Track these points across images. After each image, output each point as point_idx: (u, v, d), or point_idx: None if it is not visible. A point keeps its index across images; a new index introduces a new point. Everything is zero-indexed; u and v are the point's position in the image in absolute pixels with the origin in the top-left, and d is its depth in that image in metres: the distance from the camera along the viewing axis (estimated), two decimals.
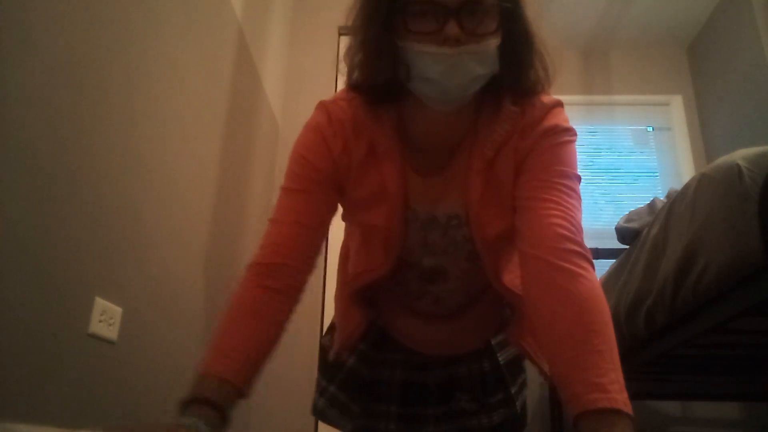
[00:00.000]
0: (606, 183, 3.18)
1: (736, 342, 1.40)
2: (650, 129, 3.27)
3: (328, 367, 1.14)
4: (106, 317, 1.23)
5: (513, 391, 1.09)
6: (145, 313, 1.43)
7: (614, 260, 1.88)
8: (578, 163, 0.87)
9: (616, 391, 0.65)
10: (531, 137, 0.86)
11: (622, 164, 3.21)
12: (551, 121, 0.86)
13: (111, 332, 1.25)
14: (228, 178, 2.08)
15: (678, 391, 2.14)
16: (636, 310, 1.51)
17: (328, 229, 0.93)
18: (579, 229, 0.79)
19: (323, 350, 1.17)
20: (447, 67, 0.75)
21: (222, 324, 0.83)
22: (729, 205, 1.13)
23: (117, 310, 1.28)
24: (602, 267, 2.02)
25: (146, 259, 1.43)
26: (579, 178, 0.85)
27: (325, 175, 0.89)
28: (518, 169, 0.86)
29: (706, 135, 3.11)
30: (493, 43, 0.77)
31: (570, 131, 0.87)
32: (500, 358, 1.09)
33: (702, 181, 1.26)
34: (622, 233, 1.82)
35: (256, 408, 2.39)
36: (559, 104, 0.90)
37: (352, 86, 0.87)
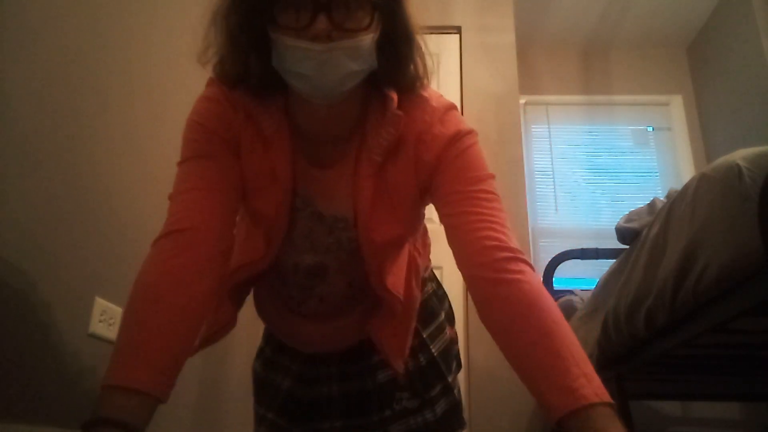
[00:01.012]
0: (606, 183, 3.18)
1: (736, 342, 1.40)
2: (650, 129, 3.27)
3: (264, 394, 1.11)
4: (106, 317, 1.23)
5: (450, 379, 1.07)
6: None
7: (614, 260, 1.88)
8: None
9: (582, 387, 0.64)
10: (433, 149, 0.84)
11: (622, 164, 3.22)
12: (450, 128, 0.84)
13: (111, 332, 1.25)
14: None
15: (678, 391, 2.14)
16: (636, 310, 1.51)
17: (235, 201, 0.85)
18: (505, 232, 0.78)
19: (256, 375, 1.14)
20: (318, 63, 0.73)
21: (125, 319, 0.71)
22: (729, 205, 1.13)
23: (117, 310, 1.28)
24: (602, 267, 2.02)
25: None
26: (492, 176, 0.84)
27: (226, 140, 0.84)
28: (427, 182, 0.85)
29: (706, 135, 3.11)
30: (367, 38, 0.75)
31: (471, 133, 0.86)
32: (434, 350, 1.06)
33: (702, 181, 1.26)
34: (622, 233, 1.82)
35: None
36: (452, 107, 0.88)
37: (220, 79, 0.83)
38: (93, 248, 1.19)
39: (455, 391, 1.07)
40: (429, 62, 0.85)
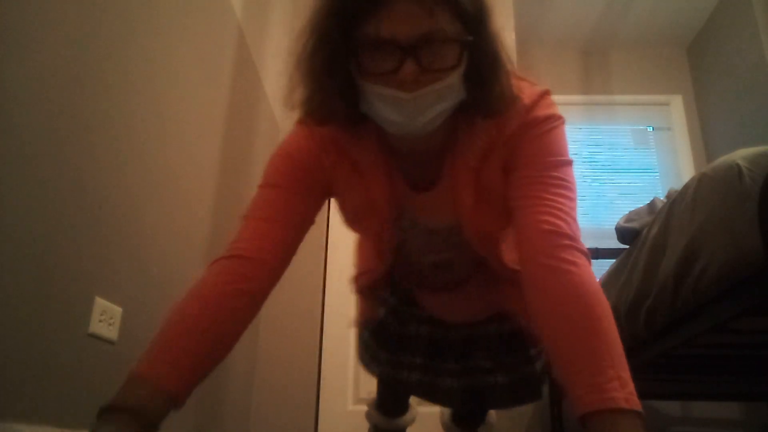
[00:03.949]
0: (606, 183, 3.18)
1: (736, 342, 1.40)
2: (650, 129, 3.27)
3: (366, 310, 1.20)
4: (106, 317, 1.23)
5: (533, 353, 1.10)
6: (145, 313, 1.43)
7: (614, 260, 1.88)
8: (570, 153, 0.84)
9: (614, 389, 0.63)
10: (514, 138, 0.83)
11: (622, 164, 3.22)
12: (533, 113, 0.83)
13: (111, 332, 1.25)
14: (228, 178, 2.08)
15: (678, 391, 2.14)
16: (636, 310, 1.51)
17: (304, 234, 0.88)
18: (568, 220, 0.76)
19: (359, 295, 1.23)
20: (407, 110, 0.72)
21: (172, 319, 0.74)
22: (729, 205, 1.13)
23: (117, 310, 1.28)
24: (602, 267, 2.02)
25: (146, 259, 1.43)
26: (569, 163, 0.82)
27: (312, 176, 0.86)
28: (505, 169, 0.85)
29: (706, 135, 3.11)
30: (454, 75, 0.73)
31: (551, 118, 0.83)
32: (523, 321, 1.08)
33: (702, 181, 1.26)
34: (622, 233, 1.82)
35: (255, 408, 2.39)
36: (542, 95, 0.85)
37: (308, 119, 0.82)
38: (93, 248, 1.19)
39: (537, 364, 1.11)
40: (516, 71, 0.81)
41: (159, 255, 1.51)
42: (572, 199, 0.80)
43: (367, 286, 1.04)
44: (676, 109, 3.25)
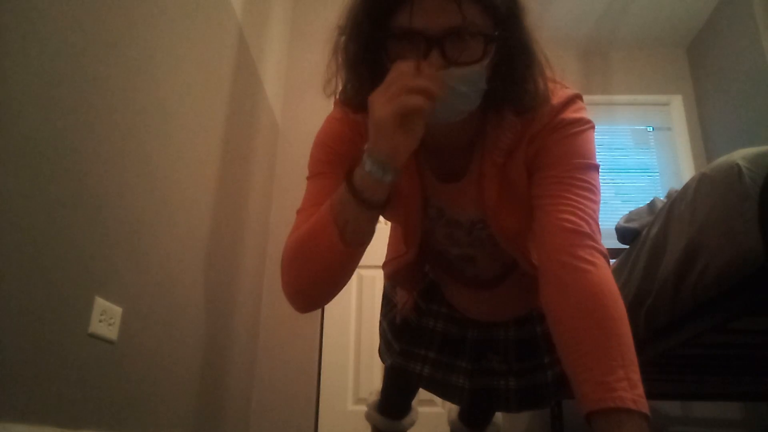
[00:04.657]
0: (606, 183, 3.18)
1: (736, 342, 1.40)
2: (650, 129, 3.27)
3: (384, 304, 1.26)
4: (106, 317, 1.23)
5: (546, 361, 1.10)
6: (145, 313, 1.43)
7: (614, 260, 1.88)
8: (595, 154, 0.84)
9: (623, 389, 0.63)
10: (540, 137, 0.84)
11: (622, 164, 3.22)
12: (561, 115, 0.84)
13: (111, 332, 1.25)
14: (228, 178, 2.08)
15: (678, 391, 2.14)
16: (636, 310, 1.51)
17: None
18: (589, 221, 0.77)
19: (386, 290, 1.28)
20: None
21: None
22: (729, 205, 1.13)
23: (117, 310, 1.28)
24: None
25: (146, 259, 1.43)
26: (595, 167, 0.83)
27: (349, 157, 0.87)
28: (529, 169, 0.85)
29: (706, 135, 3.11)
30: (477, 68, 0.73)
31: (580, 121, 0.84)
32: (539, 329, 1.10)
33: (702, 181, 1.26)
34: (622, 233, 1.82)
35: (255, 408, 2.39)
36: (573, 98, 0.86)
37: (344, 105, 0.85)
38: (93, 248, 1.19)
39: (549, 372, 1.11)
40: (550, 74, 0.82)
41: (159, 255, 1.51)
42: (596, 202, 0.80)
43: (397, 272, 1.04)
44: (676, 109, 3.25)
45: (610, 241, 2.16)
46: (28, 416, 0.99)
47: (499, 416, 1.50)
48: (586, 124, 0.85)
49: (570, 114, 0.84)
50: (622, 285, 1.63)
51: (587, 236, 0.75)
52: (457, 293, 1.15)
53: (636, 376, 0.66)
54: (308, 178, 0.91)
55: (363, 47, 0.77)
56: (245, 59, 2.28)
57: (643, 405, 0.63)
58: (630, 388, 0.64)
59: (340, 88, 0.83)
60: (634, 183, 3.18)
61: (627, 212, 1.90)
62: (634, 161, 3.21)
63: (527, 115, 0.82)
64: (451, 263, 1.08)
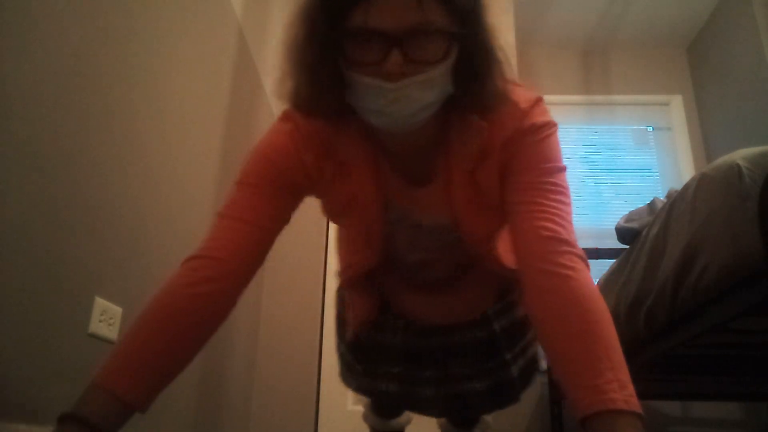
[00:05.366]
0: (606, 183, 3.18)
1: (736, 342, 1.40)
2: (650, 129, 3.28)
3: (338, 326, 1.21)
4: (106, 317, 1.23)
5: (508, 357, 1.09)
6: None
7: (614, 260, 1.88)
8: (563, 155, 0.85)
9: (613, 391, 0.63)
10: (512, 143, 0.83)
11: (622, 164, 3.22)
12: (529, 120, 0.83)
13: (111, 332, 1.25)
14: (228, 178, 2.08)
15: (678, 391, 2.14)
16: (636, 310, 1.51)
17: (278, 234, 0.87)
18: (566, 226, 0.77)
19: (339, 311, 1.23)
20: (391, 100, 0.71)
21: (135, 326, 0.74)
22: (729, 205, 1.13)
23: (117, 310, 1.28)
24: (602, 267, 2.02)
25: (146, 259, 1.43)
26: (564, 169, 0.83)
27: (289, 177, 0.84)
28: (501, 174, 0.85)
29: (706, 135, 3.11)
30: (441, 68, 0.71)
31: (548, 125, 0.84)
32: (496, 326, 1.09)
33: (702, 181, 1.26)
34: (622, 233, 1.82)
35: (256, 407, 2.39)
36: (537, 101, 0.85)
37: (296, 108, 0.80)
38: (93, 248, 1.19)
39: (513, 368, 1.10)
40: (509, 71, 0.80)
41: (159, 255, 1.51)
42: (568, 204, 0.81)
43: (358, 278, 1.01)
44: (676, 109, 3.25)
45: (610, 241, 2.17)
46: (28, 416, 0.99)
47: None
48: (553, 127, 0.85)
49: (539, 118, 0.83)
50: (622, 285, 1.63)
51: (565, 242, 0.75)
52: (409, 300, 1.12)
53: (625, 376, 0.66)
54: (238, 183, 0.86)
55: (318, 49, 0.73)
56: (245, 59, 2.28)
57: (635, 404, 0.64)
58: (620, 389, 0.64)
59: (291, 90, 0.78)
60: (634, 183, 3.18)
61: (627, 212, 1.90)
62: (634, 161, 3.21)
63: (489, 116, 0.80)
64: (406, 269, 1.06)
